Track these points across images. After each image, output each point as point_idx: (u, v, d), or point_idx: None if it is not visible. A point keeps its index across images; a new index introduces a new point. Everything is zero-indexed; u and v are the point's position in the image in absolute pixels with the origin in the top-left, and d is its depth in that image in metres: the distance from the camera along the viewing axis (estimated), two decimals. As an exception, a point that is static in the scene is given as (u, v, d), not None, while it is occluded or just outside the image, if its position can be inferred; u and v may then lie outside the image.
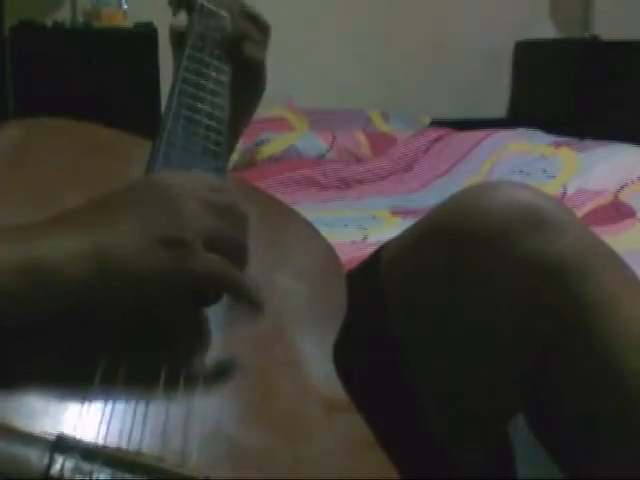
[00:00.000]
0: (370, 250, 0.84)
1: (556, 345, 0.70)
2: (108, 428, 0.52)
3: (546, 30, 3.60)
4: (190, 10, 0.93)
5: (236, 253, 0.61)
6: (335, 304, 0.71)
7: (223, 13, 0.93)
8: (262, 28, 0.91)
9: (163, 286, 0.58)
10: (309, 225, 0.80)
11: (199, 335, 0.62)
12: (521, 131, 2.87)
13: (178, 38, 0.90)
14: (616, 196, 2.29)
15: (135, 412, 0.54)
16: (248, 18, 0.91)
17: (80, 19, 3.01)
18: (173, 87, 0.81)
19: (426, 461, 0.74)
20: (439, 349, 0.74)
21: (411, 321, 0.75)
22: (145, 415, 0.54)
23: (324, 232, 0.80)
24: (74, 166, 0.74)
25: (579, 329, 0.69)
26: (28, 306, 0.55)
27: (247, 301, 0.61)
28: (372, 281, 0.78)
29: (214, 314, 0.63)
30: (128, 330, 0.59)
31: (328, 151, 2.92)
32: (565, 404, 0.71)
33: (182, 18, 0.95)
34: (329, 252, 0.77)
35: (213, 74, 0.86)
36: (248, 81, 0.91)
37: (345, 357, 0.66)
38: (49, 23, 2.95)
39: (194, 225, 0.59)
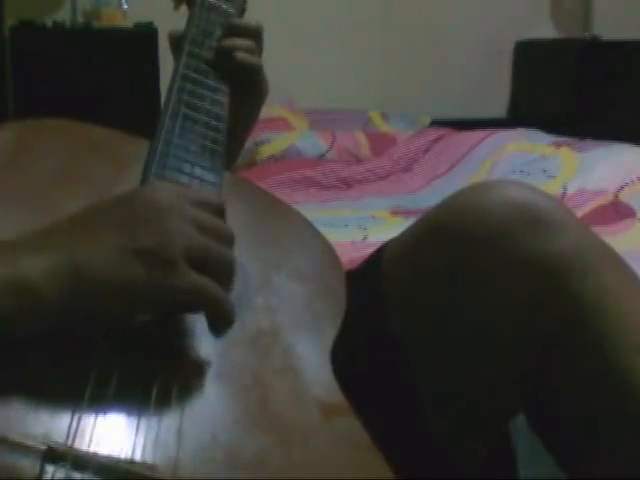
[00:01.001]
0: (370, 250, 0.84)
1: (556, 344, 0.70)
2: (100, 436, 0.52)
3: (546, 30, 3.60)
4: (191, 4, 0.92)
5: (222, 272, 0.60)
6: (335, 303, 0.71)
7: (225, 6, 0.92)
8: (253, 33, 0.89)
9: (142, 300, 0.57)
10: (308, 224, 0.79)
11: (194, 340, 0.61)
12: (521, 131, 2.87)
13: (177, 44, 0.89)
14: (616, 196, 2.29)
15: (127, 419, 0.53)
16: (235, 33, 0.88)
17: (80, 19, 3.01)
18: (172, 83, 0.81)
19: (426, 461, 0.74)
20: (439, 349, 0.74)
21: (411, 321, 0.75)
22: (138, 422, 0.53)
23: (324, 232, 0.80)
24: (73, 166, 0.74)
25: (579, 328, 0.69)
26: (13, 323, 0.54)
27: (224, 322, 0.60)
28: (372, 281, 0.78)
29: None
30: (121, 337, 0.58)
31: (328, 151, 2.92)
32: (565, 403, 0.71)
33: (183, 11, 0.94)
34: (329, 251, 0.77)
35: (213, 70, 0.85)
36: (248, 88, 0.89)
37: (345, 357, 0.66)
38: (49, 23, 2.95)
39: (177, 241, 0.58)
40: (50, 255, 0.56)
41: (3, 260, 0.56)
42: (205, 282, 0.58)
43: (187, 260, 0.58)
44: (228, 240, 0.62)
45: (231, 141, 0.80)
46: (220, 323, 0.60)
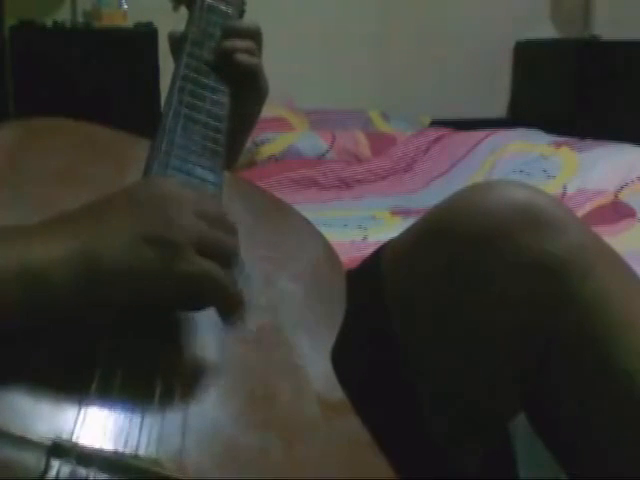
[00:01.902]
0: (370, 250, 0.84)
1: (556, 344, 0.70)
2: (104, 431, 0.52)
3: (546, 30, 3.60)
4: (190, 5, 0.93)
5: (226, 261, 0.61)
6: (335, 303, 0.71)
7: (224, 8, 0.93)
8: (252, 35, 0.89)
9: (153, 286, 0.58)
10: (308, 223, 0.80)
11: (197, 337, 0.61)
12: (521, 131, 2.87)
13: (177, 45, 0.89)
14: (616, 196, 2.29)
15: (132, 415, 0.54)
16: (233, 35, 0.89)
17: (80, 19, 3.01)
18: (173, 84, 0.81)
19: (426, 461, 0.74)
20: (439, 349, 0.74)
21: (411, 321, 0.75)
22: (142, 418, 0.53)
23: (324, 232, 0.80)
24: (74, 166, 0.74)
25: (579, 328, 0.69)
26: (21, 312, 0.55)
27: (235, 309, 0.60)
28: (372, 281, 0.78)
29: (213, 316, 0.63)
30: (125, 332, 0.58)
31: (328, 151, 2.92)
32: (565, 403, 0.71)
33: (182, 13, 0.94)
34: (329, 251, 0.77)
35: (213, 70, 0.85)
36: (248, 89, 0.90)
37: (345, 357, 0.66)
38: (49, 23, 2.95)
39: (186, 230, 0.59)
40: (61, 244, 0.57)
41: (15, 247, 0.56)
42: (216, 269, 0.59)
43: (195, 249, 0.59)
44: (233, 232, 0.63)
45: (231, 142, 0.81)
46: (231, 310, 0.60)
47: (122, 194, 0.61)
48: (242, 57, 0.87)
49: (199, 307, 0.61)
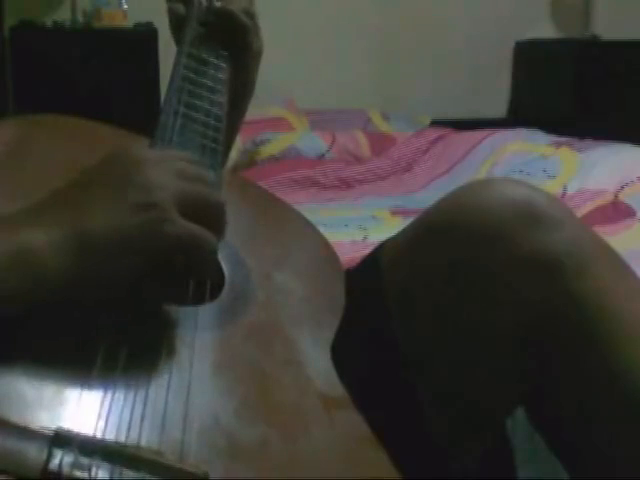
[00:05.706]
0: (370, 250, 0.84)
1: (555, 342, 0.70)
2: (106, 422, 0.52)
3: (546, 30, 3.60)
4: (188, 5, 0.93)
5: (212, 215, 0.62)
6: (333, 300, 0.71)
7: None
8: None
9: (145, 251, 0.59)
10: (308, 223, 0.80)
11: (197, 332, 0.62)
12: (521, 131, 2.87)
13: (178, 22, 0.91)
14: (616, 196, 2.29)
15: (134, 406, 0.54)
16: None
17: (80, 19, 3.01)
18: (171, 84, 0.81)
19: (426, 461, 0.74)
20: (439, 348, 0.74)
21: (411, 320, 0.75)
22: (144, 409, 0.54)
23: (324, 232, 0.80)
24: (73, 163, 0.74)
25: (578, 327, 0.69)
26: (19, 296, 0.55)
27: (210, 272, 0.62)
28: (371, 280, 0.78)
29: (212, 311, 0.63)
30: (126, 324, 0.59)
31: (328, 151, 2.92)
32: (565, 401, 0.71)
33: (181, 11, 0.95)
34: (327, 250, 0.77)
35: (211, 71, 0.86)
36: (242, 46, 0.91)
37: (344, 357, 0.66)
38: (49, 23, 2.95)
39: (166, 189, 0.60)
40: (51, 228, 0.57)
41: (4, 235, 0.57)
42: (198, 229, 0.60)
43: (178, 209, 0.60)
44: (212, 184, 0.64)
45: (231, 111, 0.82)
46: (206, 273, 0.62)
47: (98, 169, 0.63)
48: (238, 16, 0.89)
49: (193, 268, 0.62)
